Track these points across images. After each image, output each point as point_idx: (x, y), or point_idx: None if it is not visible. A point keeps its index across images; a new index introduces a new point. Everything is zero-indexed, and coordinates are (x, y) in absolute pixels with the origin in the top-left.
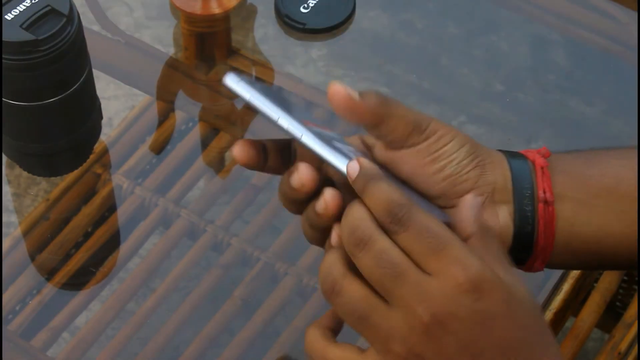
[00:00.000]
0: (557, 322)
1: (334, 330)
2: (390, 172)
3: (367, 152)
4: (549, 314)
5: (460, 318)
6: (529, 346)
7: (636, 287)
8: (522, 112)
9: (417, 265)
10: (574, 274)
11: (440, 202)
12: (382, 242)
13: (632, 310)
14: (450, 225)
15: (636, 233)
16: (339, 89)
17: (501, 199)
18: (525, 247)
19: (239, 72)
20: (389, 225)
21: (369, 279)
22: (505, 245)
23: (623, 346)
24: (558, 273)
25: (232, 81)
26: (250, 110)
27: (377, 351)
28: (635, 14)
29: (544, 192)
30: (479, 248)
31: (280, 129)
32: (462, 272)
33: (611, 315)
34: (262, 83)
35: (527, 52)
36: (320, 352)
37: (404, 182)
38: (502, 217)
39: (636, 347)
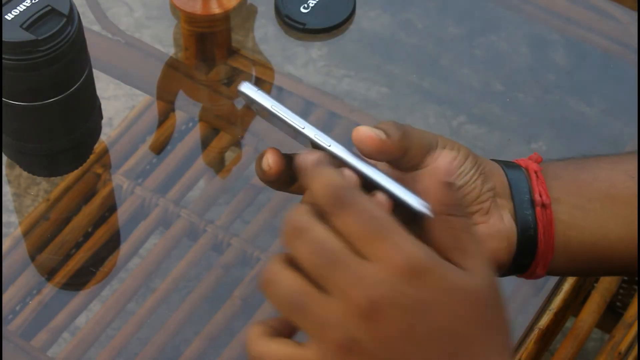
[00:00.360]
0: (557, 322)
1: (283, 333)
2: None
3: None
4: (549, 314)
5: (395, 303)
6: (467, 340)
7: (636, 287)
8: (522, 112)
9: (355, 249)
10: None
11: None
12: (318, 230)
13: (632, 310)
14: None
15: (631, 235)
16: (367, 133)
17: (502, 204)
18: (527, 251)
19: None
20: (331, 208)
21: (306, 268)
22: (510, 251)
23: (623, 346)
24: None
25: (249, 89)
26: (258, 115)
27: (314, 340)
28: (635, 14)
29: (540, 195)
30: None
31: (304, 138)
32: (399, 257)
33: (611, 315)
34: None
35: (527, 52)
36: (255, 347)
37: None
38: (507, 220)
39: (636, 347)
